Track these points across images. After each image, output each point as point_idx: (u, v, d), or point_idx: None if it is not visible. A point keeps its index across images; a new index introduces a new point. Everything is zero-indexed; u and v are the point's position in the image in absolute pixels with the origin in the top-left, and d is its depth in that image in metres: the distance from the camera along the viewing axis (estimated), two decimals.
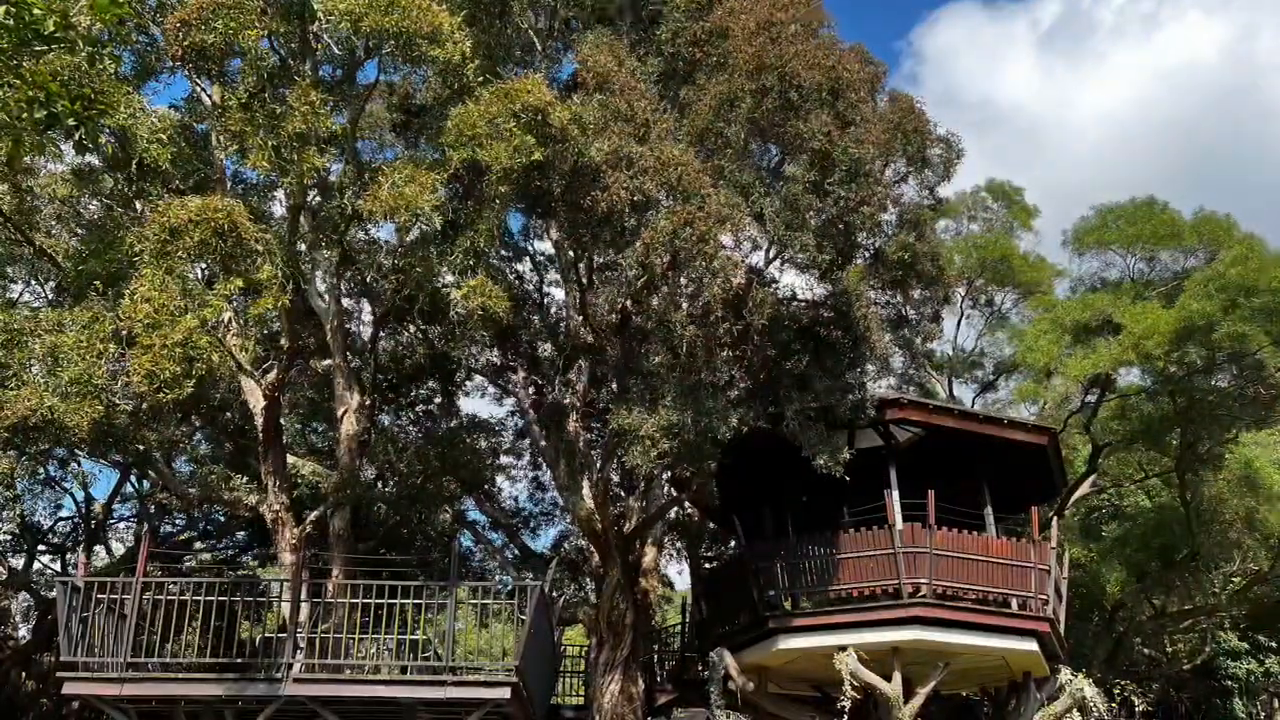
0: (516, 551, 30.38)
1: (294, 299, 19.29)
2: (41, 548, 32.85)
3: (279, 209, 23.94)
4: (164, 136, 18.60)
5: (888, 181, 20.94)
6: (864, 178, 18.82)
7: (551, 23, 22.95)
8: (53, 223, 23.76)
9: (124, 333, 16.64)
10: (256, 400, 20.68)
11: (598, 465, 22.67)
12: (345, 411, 22.38)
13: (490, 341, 24.98)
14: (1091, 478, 34.19)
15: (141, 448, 20.49)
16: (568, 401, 22.96)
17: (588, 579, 29.05)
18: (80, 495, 31.89)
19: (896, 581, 21.33)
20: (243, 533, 31.73)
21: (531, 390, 25.37)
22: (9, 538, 31.99)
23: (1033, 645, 22.08)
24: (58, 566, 32.89)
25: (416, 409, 29.65)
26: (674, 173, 17.72)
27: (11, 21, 8.81)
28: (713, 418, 18.41)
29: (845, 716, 20.48)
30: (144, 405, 17.73)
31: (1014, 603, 22.20)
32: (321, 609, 20.24)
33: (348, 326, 24.51)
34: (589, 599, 26.71)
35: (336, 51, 19.92)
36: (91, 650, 17.87)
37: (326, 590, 20.88)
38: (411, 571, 22.62)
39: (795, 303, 22.10)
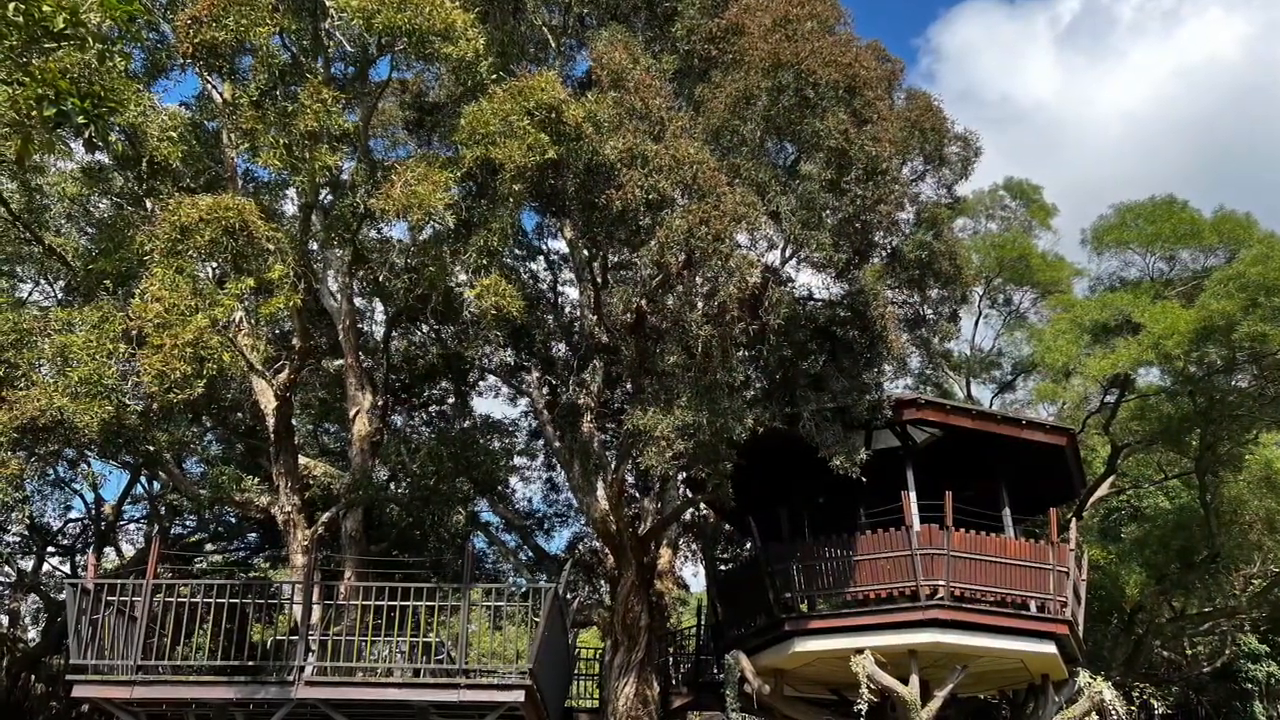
0: (530, 553, 30.28)
1: (306, 298, 19.21)
2: (51, 549, 32.85)
3: (290, 207, 23.91)
4: (174, 134, 18.60)
5: (905, 180, 20.78)
6: (881, 176, 18.64)
7: (565, 19, 22.82)
8: (62, 221, 23.73)
9: (134, 332, 16.58)
10: (268, 400, 20.58)
11: (612, 466, 22.50)
12: (357, 412, 22.29)
13: (504, 341, 24.89)
14: (1110, 479, 34.02)
15: (152, 448, 20.40)
16: (582, 402, 22.81)
17: (602, 581, 28.90)
18: (90, 496, 31.92)
19: (914, 583, 21.16)
20: (254, 534, 31.68)
21: (545, 390, 25.24)
22: (18, 539, 31.98)
23: (1051, 648, 21.89)
24: (67, 568, 32.90)
25: (429, 409, 29.57)
26: (689, 171, 17.55)
27: (21, 18, 8.68)
28: (728, 418, 18.23)
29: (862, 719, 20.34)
30: (154, 405, 17.67)
31: (1032, 605, 22.01)
32: (333, 611, 20.14)
33: (360, 326, 24.45)
34: (604, 601, 26.56)
35: (348, 48, 19.78)
36: (101, 653, 17.78)
37: (338, 592, 20.81)
38: (424, 573, 22.51)
39: (811, 302, 21.94)
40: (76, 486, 31.21)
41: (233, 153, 20.94)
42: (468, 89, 18.99)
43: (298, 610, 18.97)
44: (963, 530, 21.46)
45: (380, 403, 23.47)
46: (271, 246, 16.68)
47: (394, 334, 25.98)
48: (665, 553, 27.05)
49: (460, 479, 23.65)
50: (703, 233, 17.07)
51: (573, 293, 25.85)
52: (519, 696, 17.78)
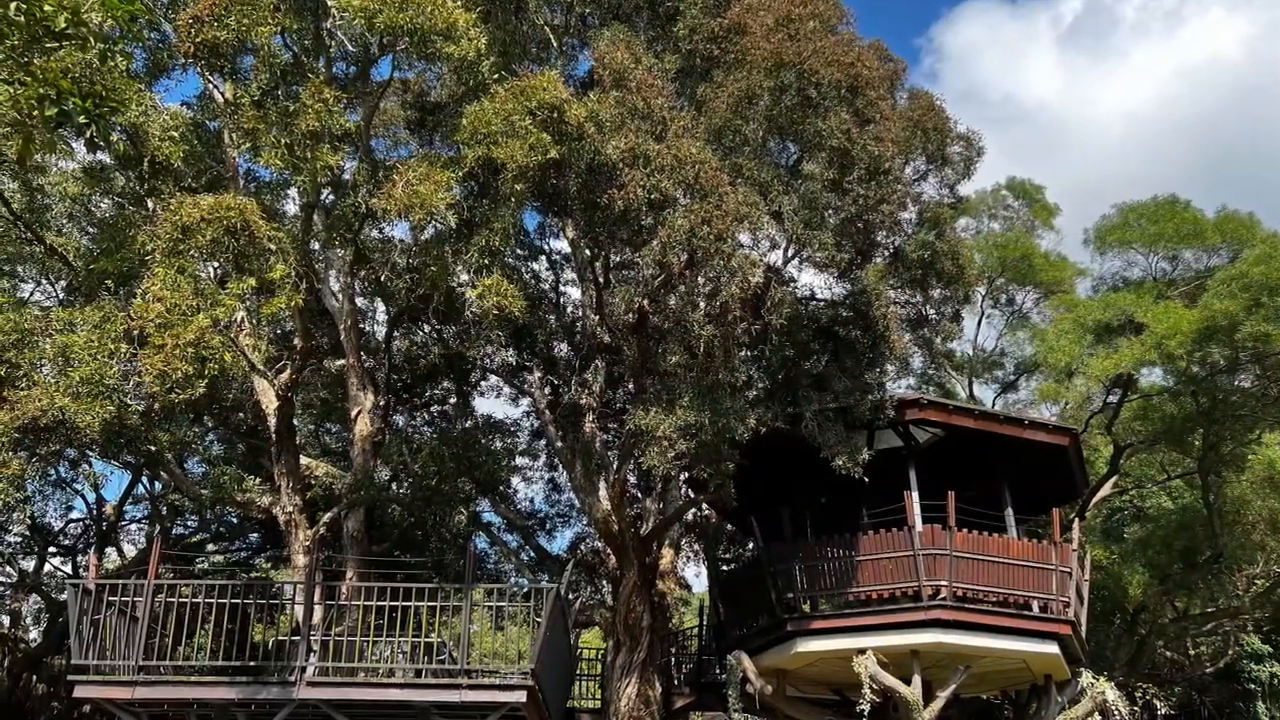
0: (532, 553, 30.24)
1: (307, 298, 19.19)
2: (52, 550, 32.83)
3: (292, 207, 23.88)
4: (176, 134, 18.59)
5: (907, 179, 20.74)
6: (883, 176, 18.59)
7: (567, 19, 22.80)
8: (64, 221, 23.73)
9: (135, 332, 16.55)
10: (269, 400, 20.56)
11: (614, 466, 22.47)
12: (359, 412, 22.26)
13: (506, 341, 24.82)
14: (1113, 479, 33.94)
15: (153, 448, 20.37)
16: (584, 402, 22.78)
17: (604, 581, 28.87)
18: (91, 496, 31.89)
19: (916, 584, 21.12)
20: (255, 534, 31.65)
21: (547, 390, 25.19)
22: (20, 540, 31.95)
23: (1054, 648, 21.85)
24: (69, 569, 32.88)
25: (431, 409, 29.52)
26: (691, 170, 17.51)
27: (22, 18, 8.66)
28: (730, 418, 18.18)
29: None
30: (156, 405, 17.64)
31: (1035, 605, 21.97)
32: (335, 611, 20.11)
33: (361, 326, 24.41)
34: (605, 601, 26.54)
35: (350, 48, 19.79)
36: (103, 653, 17.75)
37: (340, 593, 20.77)
38: (426, 574, 22.48)
39: (814, 302, 21.90)
40: (78, 487, 31.22)
41: (234, 152, 20.91)
42: (469, 89, 18.96)
43: (299, 610, 18.96)
44: (965, 530, 21.41)
45: (382, 403, 23.43)
46: (273, 246, 16.67)
47: (396, 334, 25.94)
48: (667, 553, 26.99)
49: (462, 479, 23.63)
50: (705, 232, 17.03)
51: (575, 293, 25.82)
52: (521, 697, 17.75)
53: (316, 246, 21.64)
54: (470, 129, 17.26)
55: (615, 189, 17.71)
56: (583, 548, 31.60)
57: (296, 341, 20.25)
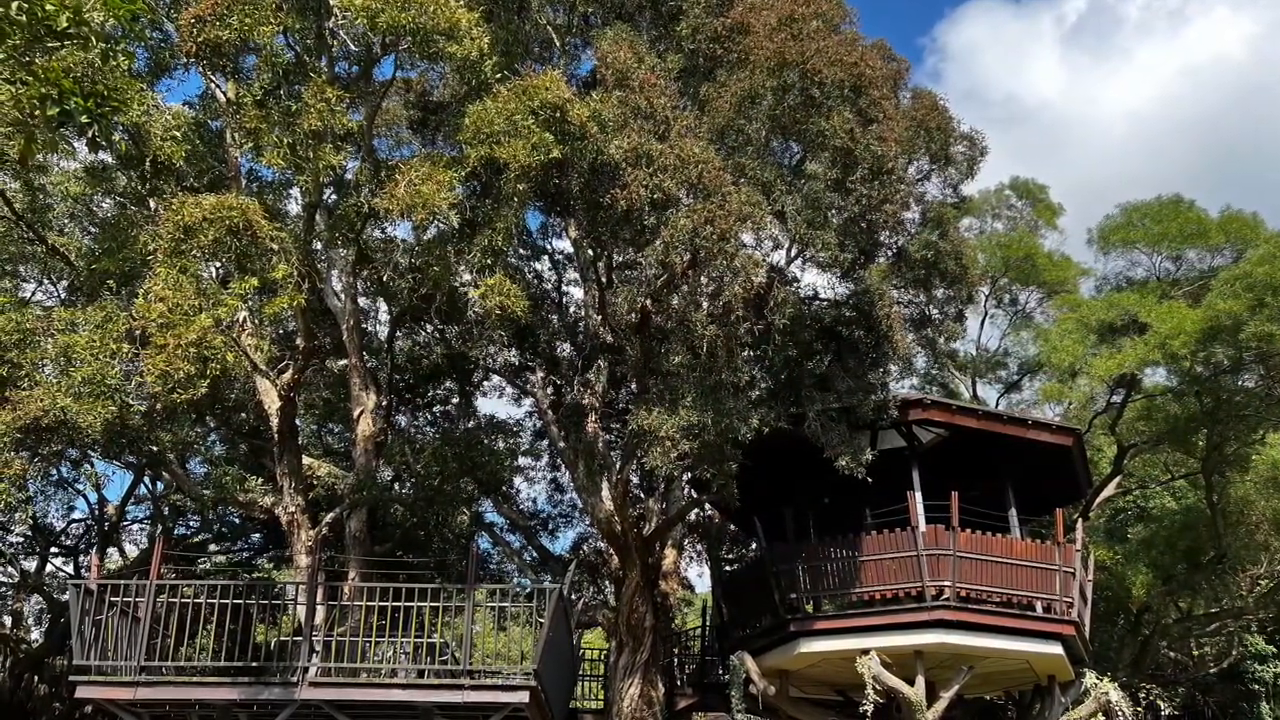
0: (535, 554, 30.22)
1: (309, 298, 19.15)
2: (54, 550, 32.81)
3: (294, 207, 23.87)
4: (178, 134, 18.57)
5: (910, 179, 20.70)
6: (886, 175, 18.54)
7: (570, 18, 22.78)
8: (66, 221, 23.73)
9: (138, 332, 16.56)
10: (272, 401, 20.54)
11: (617, 466, 22.44)
12: (361, 412, 22.26)
13: (508, 341, 24.85)
14: (1117, 479, 33.87)
15: (155, 449, 20.39)
16: (586, 402, 22.76)
17: (607, 582, 28.85)
18: (93, 497, 31.84)
19: (919, 584, 21.09)
20: (258, 535, 31.65)
21: (550, 390, 25.20)
22: (21, 540, 31.94)
23: (1057, 648, 21.82)
24: (70, 569, 32.87)
25: (434, 409, 29.54)
26: (694, 170, 17.47)
27: (24, 17, 8.63)
28: (733, 418, 18.16)
29: None
30: (158, 405, 17.61)
31: (1038, 605, 21.94)
32: (337, 612, 20.09)
33: (364, 326, 24.42)
34: (608, 602, 26.53)
35: (352, 48, 19.75)
36: (105, 654, 17.75)
37: (342, 593, 20.76)
38: (429, 574, 22.47)
39: (817, 302, 21.86)
40: (80, 487, 31.15)
41: (236, 152, 20.90)
42: (472, 88, 18.91)
43: (301, 611, 18.94)
44: (969, 531, 21.38)
45: (384, 403, 23.43)
46: (275, 246, 16.64)
47: (398, 334, 25.94)
48: (670, 553, 26.98)
49: (464, 479, 23.63)
50: (708, 232, 16.99)
51: (577, 292, 25.84)
52: (523, 697, 17.73)
53: (319, 246, 21.61)
54: (473, 129, 17.22)
55: (618, 189, 17.66)
56: (585, 548, 31.60)
57: (299, 341, 20.23)
